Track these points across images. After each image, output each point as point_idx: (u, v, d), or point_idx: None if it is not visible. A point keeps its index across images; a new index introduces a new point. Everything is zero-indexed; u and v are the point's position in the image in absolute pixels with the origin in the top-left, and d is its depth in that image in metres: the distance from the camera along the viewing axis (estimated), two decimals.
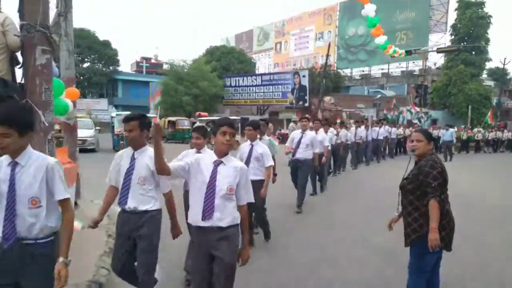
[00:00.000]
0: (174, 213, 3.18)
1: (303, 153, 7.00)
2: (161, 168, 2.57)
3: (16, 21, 3.13)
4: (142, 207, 2.95)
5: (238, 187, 2.72)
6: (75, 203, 5.35)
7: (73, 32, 6.49)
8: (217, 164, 2.70)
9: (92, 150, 16.01)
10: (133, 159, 2.98)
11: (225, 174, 2.68)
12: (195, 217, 2.68)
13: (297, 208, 7.09)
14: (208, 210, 2.63)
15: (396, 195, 3.33)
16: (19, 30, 3.03)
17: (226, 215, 2.65)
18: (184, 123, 23.81)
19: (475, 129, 24.77)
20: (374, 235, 5.74)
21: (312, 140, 7.13)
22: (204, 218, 2.63)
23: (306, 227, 6.34)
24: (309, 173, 7.44)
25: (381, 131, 15.59)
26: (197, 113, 25.62)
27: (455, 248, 3.24)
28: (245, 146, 5.07)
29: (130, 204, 2.95)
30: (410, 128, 19.78)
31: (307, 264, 4.65)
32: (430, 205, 2.92)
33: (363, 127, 14.40)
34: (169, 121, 25.02)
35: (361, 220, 6.76)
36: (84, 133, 14.86)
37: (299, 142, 7.01)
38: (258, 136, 5.27)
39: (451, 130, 18.24)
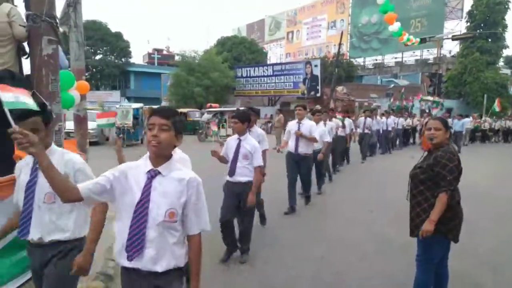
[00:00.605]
0: None
1: (304, 147, 6.41)
2: (61, 193, 1.77)
3: (22, 11, 3.10)
4: None
5: (186, 210, 1.88)
6: None
7: (85, 24, 6.46)
8: (151, 175, 1.87)
9: (96, 143, 15.63)
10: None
11: (164, 190, 1.85)
12: (118, 254, 1.88)
13: (305, 199, 7.05)
14: (135, 246, 1.82)
15: (401, 187, 3.31)
16: (25, 20, 3.00)
17: (164, 254, 1.85)
18: (195, 114, 23.83)
19: (482, 119, 24.25)
20: (381, 228, 5.67)
21: (310, 131, 6.42)
22: (130, 257, 1.83)
23: (312, 222, 6.27)
24: (311, 169, 6.86)
25: (389, 122, 15.18)
26: (208, 104, 25.57)
27: (463, 240, 3.17)
28: (231, 140, 4.43)
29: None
30: (421, 119, 19.34)
31: (316, 258, 4.60)
32: (440, 197, 2.87)
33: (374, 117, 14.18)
34: (180, 113, 25.18)
35: (367, 214, 6.67)
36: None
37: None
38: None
39: (464, 120, 17.87)
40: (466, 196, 3.26)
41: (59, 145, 3.11)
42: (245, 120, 4.35)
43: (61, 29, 6.06)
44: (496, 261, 4.50)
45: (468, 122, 20.53)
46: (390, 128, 15.18)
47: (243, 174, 4.29)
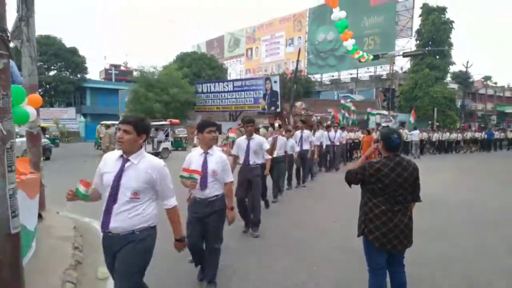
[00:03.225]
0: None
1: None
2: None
3: None
4: None
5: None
6: (40, 215, 5.13)
7: (38, 39, 6.28)
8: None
9: (47, 158, 15.31)
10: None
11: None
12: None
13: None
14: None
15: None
16: None
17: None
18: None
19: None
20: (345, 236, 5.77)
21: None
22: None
23: (278, 231, 6.32)
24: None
25: (334, 136, 13.97)
26: (168, 120, 25.30)
27: (421, 246, 3.29)
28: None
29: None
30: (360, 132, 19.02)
31: (281, 268, 4.62)
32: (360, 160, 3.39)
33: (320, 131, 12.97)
34: None
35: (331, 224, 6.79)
36: None
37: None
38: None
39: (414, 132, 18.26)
40: (427, 204, 3.40)
41: (11, 163, 2.97)
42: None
43: (12, 44, 5.85)
44: (455, 266, 4.70)
45: (416, 135, 21.26)
46: (337, 143, 14.15)
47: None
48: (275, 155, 7.84)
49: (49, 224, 5.54)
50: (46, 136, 21.67)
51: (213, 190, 3.91)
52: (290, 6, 61.05)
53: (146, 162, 2.73)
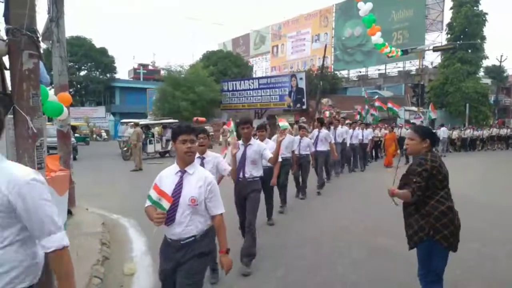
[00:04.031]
0: None
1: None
2: None
3: (2, 25, 3.06)
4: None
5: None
6: (69, 212, 5.27)
7: (69, 40, 6.46)
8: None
9: (73, 159, 15.69)
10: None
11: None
12: None
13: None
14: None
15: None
16: (5, 34, 2.96)
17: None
18: None
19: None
20: (370, 237, 5.66)
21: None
22: None
23: (301, 229, 6.26)
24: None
25: (355, 134, 13.24)
26: (195, 118, 25.55)
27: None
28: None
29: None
30: (383, 129, 18.15)
31: (304, 266, 4.57)
32: (405, 191, 2.98)
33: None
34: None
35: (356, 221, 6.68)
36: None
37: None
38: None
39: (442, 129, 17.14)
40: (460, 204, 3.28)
41: (40, 161, 3.05)
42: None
43: (44, 45, 6.02)
44: (488, 267, 4.53)
45: (444, 132, 20.42)
46: (365, 141, 13.58)
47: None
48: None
49: (79, 220, 5.69)
50: (76, 135, 22.21)
51: (189, 228, 2.65)
52: (316, 1, 60.25)
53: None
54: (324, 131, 10.11)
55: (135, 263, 4.68)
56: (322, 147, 9.84)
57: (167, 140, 18.79)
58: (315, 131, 10.22)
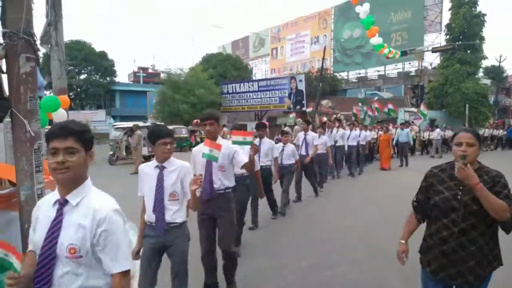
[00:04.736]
0: None
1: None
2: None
3: None
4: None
5: None
6: None
7: (69, 44, 6.49)
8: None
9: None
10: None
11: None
12: None
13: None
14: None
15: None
16: (1, 37, 2.96)
17: None
18: (182, 131, 23.76)
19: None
20: (372, 238, 5.66)
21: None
22: None
23: (303, 230, 6.26)
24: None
25: (352, 135, 12.73)
26: (195, 121, 25.58)
27: None
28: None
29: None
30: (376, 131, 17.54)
31: (306, 267, 4.57)
32: (504, 206, 2.23)
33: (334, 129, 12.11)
34: None
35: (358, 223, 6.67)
36: None
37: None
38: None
39: (406, 129, 16.12)
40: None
41: (38, 164, 3.05)
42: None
43: (42, 48, 6.04)
44: None
45: (409, 132, 17.75)
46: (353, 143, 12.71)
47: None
48: (260, 164, 6.05)
49: None
50: None
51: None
52: (315, 4, 60.49)
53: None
54: (311, 133, 9.23)
55: (136, 263, 4.66)
56: (311, 151, 8.84)
57: None
58: (300, 134, 9.23)
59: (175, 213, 3.14)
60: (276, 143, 7.61)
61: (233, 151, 3.85)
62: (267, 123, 7.59)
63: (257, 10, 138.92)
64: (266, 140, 6.69)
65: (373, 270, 4.46)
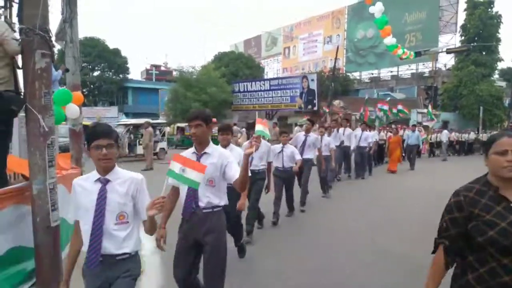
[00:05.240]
0: None
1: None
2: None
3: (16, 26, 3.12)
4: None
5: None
6: None
7: (83, 41, 6.53)
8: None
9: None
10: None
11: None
12: None
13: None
14: None
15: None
16: (18, 33, 3.02)
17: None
18: None
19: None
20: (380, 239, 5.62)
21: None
22: None
23: (311, 231, 6.24)
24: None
25: (364, 136, 12.28)
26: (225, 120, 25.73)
27: None
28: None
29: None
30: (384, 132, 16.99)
31: (313, 269, 4.56)
32: None
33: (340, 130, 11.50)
34: (178, 127, 25.62)
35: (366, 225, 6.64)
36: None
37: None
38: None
39: (416, 132, 15.67)
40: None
41: (51, 159, 3.10)
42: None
43: (57, 45, 6.11)
44: None
45: (419, 135, 17.13)
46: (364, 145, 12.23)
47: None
48: (251, 168, 4.99)
49: None
50: None
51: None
52: (328, 3, 60.10)
53: None
54: (313, 135, 8.26)
55: (144, 263, 4.70)
56: (309, 154, 7.98)
57: (155, 142, 17.32)
58: (300, 135, 8.25)
59: (124, 241, 2.34)
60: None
61: (226, 162, 3.06)
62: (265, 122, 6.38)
63: (270, 9, 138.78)
64: (262, 142, 5.06)
65: (380, 273, 4.42)
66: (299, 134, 8.31)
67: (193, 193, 3.01)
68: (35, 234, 3.02)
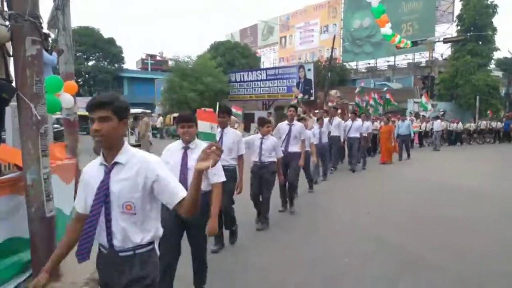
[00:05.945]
0: None
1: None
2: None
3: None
4: None
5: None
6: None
7: (77, 30, 6.40)
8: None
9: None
10: None
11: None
12: None
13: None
14: None
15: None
16: (7, 19, 2.93)
17: None
18: None
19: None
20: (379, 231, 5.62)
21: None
22: None
23: (307, 223, 6.23)
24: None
25: (355, 126, 11.86)
26: (202, 109, 25.51)
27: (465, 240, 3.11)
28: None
29: None
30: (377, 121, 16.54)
31: (310, 260, 4.54)
32: None
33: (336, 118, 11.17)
34: (174, 117, 25.57)
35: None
36: None
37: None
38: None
39: (406, 121, 15.32)
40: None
41: (44, 148, 3.03)
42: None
43: (51, 34, 6.00)
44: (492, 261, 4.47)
45: (410, 124, 16.47)
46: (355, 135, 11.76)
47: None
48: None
49: None
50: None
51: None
52: None
53: None
54: (298, 124, 6.93)
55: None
56: (295, 148, 6.71)
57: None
58: (283, 124, 6.95)
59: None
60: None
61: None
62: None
63: None
64: (229, 130, 4.86)
65: (378, 264, 4.41)
66: (281, 124, 7.01)
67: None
68: (30, 224, 2.98)
